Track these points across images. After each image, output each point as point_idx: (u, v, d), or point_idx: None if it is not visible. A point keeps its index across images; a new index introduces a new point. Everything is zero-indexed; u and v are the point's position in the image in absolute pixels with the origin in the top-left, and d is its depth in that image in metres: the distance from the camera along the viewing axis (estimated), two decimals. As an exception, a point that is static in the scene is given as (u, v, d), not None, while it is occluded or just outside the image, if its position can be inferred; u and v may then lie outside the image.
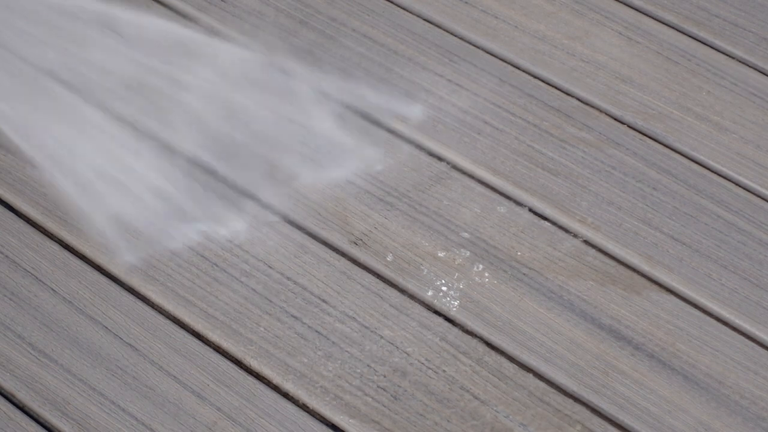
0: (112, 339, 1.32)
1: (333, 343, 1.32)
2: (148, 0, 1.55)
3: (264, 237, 1.38)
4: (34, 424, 1.28)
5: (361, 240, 1.38)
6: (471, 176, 1.44)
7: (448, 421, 1.27)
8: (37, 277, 1.37)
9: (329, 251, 1.38)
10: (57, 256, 1.38)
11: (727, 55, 1.51)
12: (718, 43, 1.52)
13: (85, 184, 1.39)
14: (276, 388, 1.30)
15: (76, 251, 1.39)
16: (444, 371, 1.30)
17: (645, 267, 1.36)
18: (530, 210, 1.41)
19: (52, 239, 1.40)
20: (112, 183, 1.39)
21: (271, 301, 1.34)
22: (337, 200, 1.41)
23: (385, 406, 1.28)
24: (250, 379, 1.30)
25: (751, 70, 1.50)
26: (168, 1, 1.56)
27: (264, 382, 1.30)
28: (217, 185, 1.40)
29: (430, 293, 1.35)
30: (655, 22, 1.54)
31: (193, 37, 1.49)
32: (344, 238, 1.38)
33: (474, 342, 1.32)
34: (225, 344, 1.32)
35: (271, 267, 1.37)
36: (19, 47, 1.44)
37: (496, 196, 1.42)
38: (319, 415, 1.28)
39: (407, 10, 1.56)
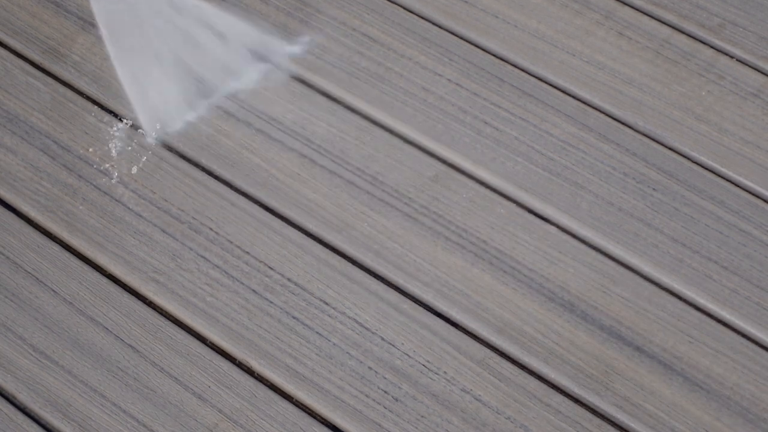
0: (113, 340, 1.33)
1: (334, 344, 1.32)
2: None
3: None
4: (35, 425, 1.28)
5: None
6: (471, 177, 1.44)
7: (448, 422, 1.27)
8: (38, 278, 1.36)
9: (327, 251, 1.38)
10: (58, 257, 1.38)
11: (727, 55, 1.51)
12: (718, 43, 1.52)
13: None
14: (277, 390, 1.30)
15: (77, 252, 1.39)
16: (445, 372, 1.30)
17: (645, 268, 1.36)
18: (530, 211, 1.41)
19: (53, 240, 1.39)
20: None
21: (272, 303, 1.34)
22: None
23: (386, 408, 1.28)
24: (252, 381, 1.30)
25: (751, 70, 1.50)
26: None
27: (265, 384, 1.30)
28: None
29: (431, 294, 1.35)
30: (655, 21, 1.54)
31: None
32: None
33: (475, 343, 1.32)
34: (226, 346, 1.32)
35: (271, 268, 1.37)
36: None
37: (495, 197, 1.42)
38: (320, 416, 1.28)
39: (407, 9, 1.56)
